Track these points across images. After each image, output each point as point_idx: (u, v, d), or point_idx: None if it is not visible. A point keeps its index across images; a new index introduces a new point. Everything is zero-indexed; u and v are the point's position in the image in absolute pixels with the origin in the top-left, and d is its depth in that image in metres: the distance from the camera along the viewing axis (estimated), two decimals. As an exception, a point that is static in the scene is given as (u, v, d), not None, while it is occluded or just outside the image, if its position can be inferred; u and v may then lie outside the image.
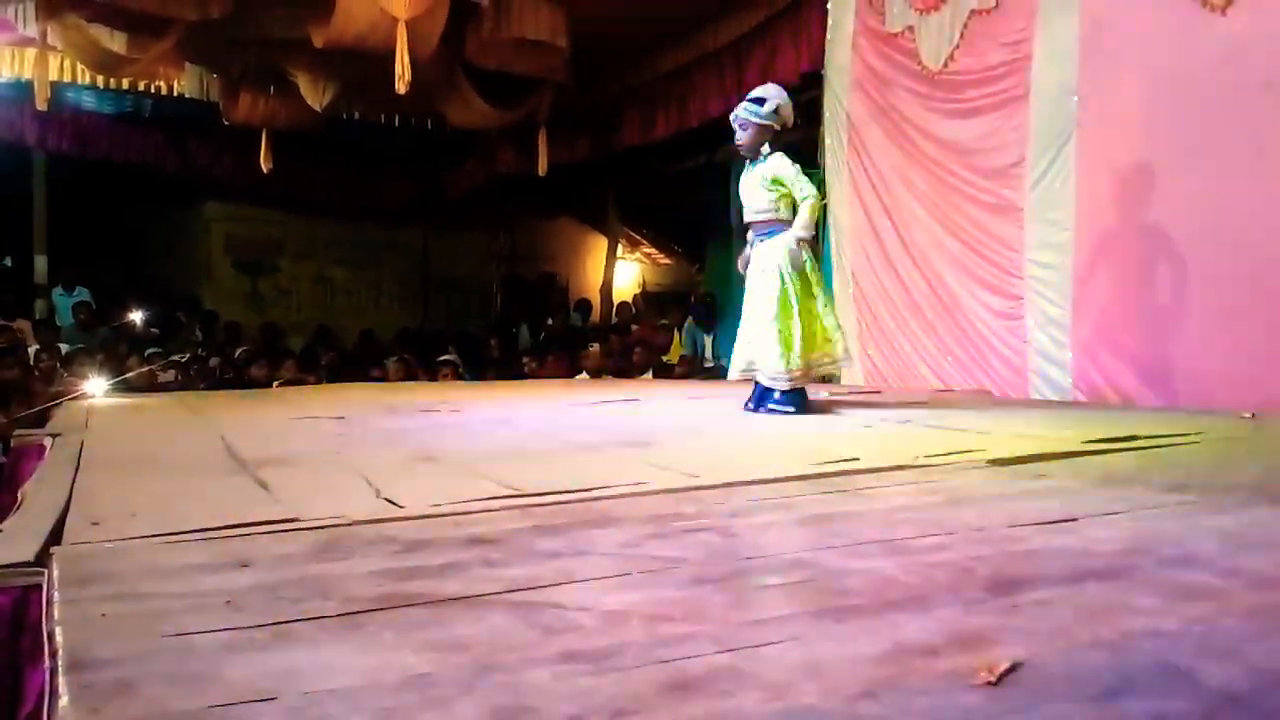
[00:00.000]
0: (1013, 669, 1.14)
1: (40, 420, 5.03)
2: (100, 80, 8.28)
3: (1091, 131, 4.90)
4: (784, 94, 4.28)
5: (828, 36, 6.63)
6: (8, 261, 11.39)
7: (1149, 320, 4.67)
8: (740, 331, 4.38)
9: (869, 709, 1.05)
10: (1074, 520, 2.01)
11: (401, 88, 6.44)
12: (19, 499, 2.47)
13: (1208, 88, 4.37)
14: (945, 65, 5.70)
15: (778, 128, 4.23)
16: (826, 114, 6.64)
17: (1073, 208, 4.98)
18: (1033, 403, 5.01)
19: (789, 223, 4.21)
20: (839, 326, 4.30)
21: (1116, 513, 2.10)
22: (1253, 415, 3.91)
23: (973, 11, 5.52)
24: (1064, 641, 1.26)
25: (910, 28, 5.94)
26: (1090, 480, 2.54)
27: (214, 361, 9.20)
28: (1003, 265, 5.38)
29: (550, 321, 11.85)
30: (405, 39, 6.35)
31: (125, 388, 7.08)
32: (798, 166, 4.23)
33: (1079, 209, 4.95)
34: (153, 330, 9.99)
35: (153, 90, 8.68)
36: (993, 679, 1.11)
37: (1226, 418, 3.89)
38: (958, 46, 5.62)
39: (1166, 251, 4.60)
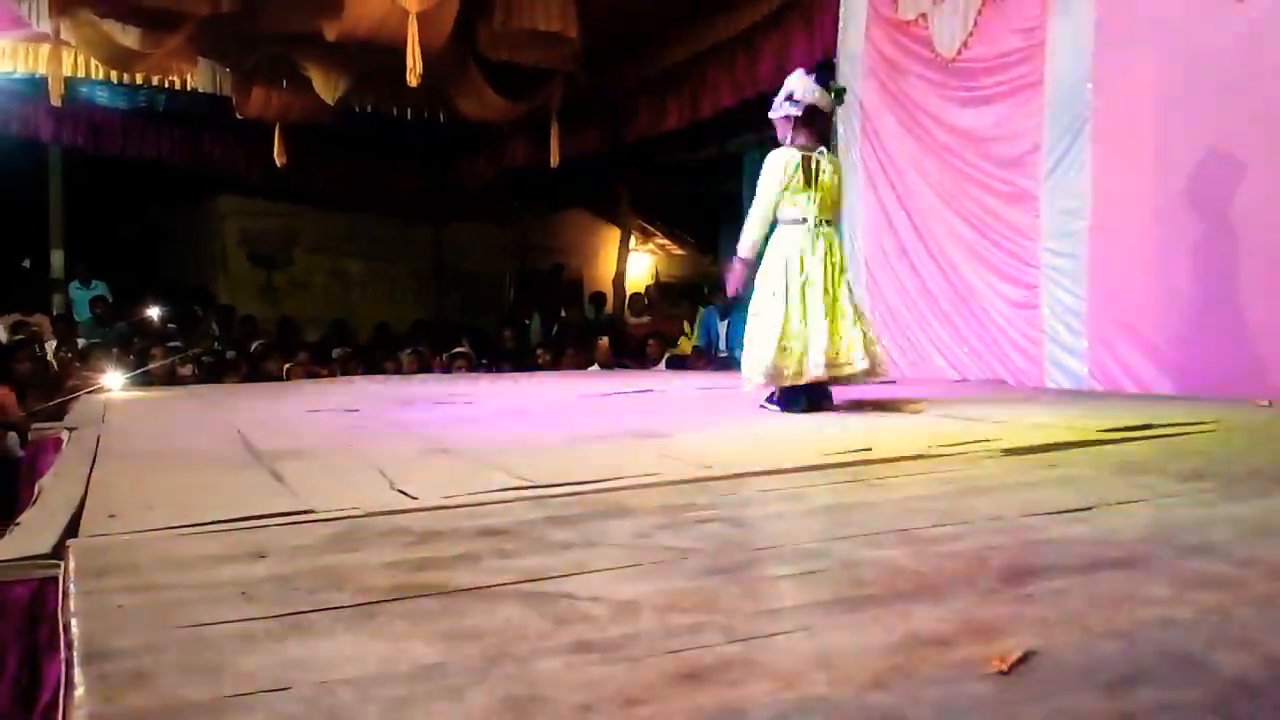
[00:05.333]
0: (1025, 658, 1.13)
1: (58, 414, 5.07)
2: (114, 75, 8.30)
3: (1107, 119, 4.85)
4: (796, 76, 4.21)
5: (840, 24, 6.59)
6: (26, 264, 11.46)
7: (1165, 309, 4.63)
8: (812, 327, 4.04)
9: (880, 699, 1.05)
10: (1089, 509, 2.00)
11: (413, 80, 6.43)
12: (36, 492, 2.50)
13: (1224, 75, 4.33)
14: (959, 53, 5.66)
15: (799, 113, 4.14)
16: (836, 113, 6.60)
17: (1088, 196, 4.94)
18: (1048, 392, 4.98)
19: (779, 221, 4.15)
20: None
21: (1132, 502, 2.09)
22: (1270, 403, 3.88)
23: (986, -2, 5.48)
24: (1078, 631, 1.25)
25: (923, 15, 5.90)
26: (1106, 469, 2.53)
27: (230, 355, 9.24)
28: (1018, 254, 5.35)
29: (563, 314, 11.85)
30: (417, 31, 6.34)
31: (142, 381, 7.12)
32: (769, 170, 4.11)
33: (1095, 197, 4.91)
34: (169, 324, 10.04)
35: (166, 85, 8.69)
36: (1005, 668, 1.11)
37: (1243, 406, 3.86)
38: (971, 34, 5.58)
39: (1182, 239, 4.57)
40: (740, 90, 7.70)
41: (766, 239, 4.21)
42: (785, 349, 3.99)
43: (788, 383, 4.02)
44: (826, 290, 4.04)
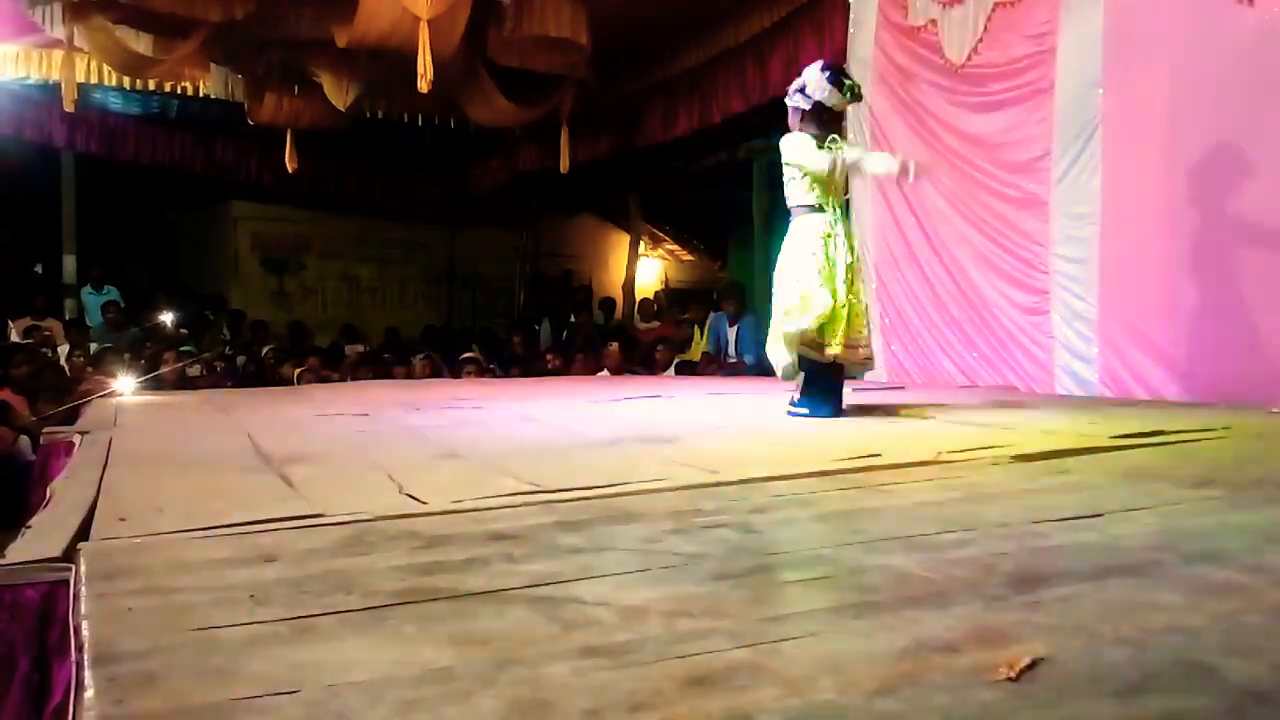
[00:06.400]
0: (1034, 665, 1.13)
1: (70, 418, 5.10)
2: (127, 81, 8.35)
3: (1117, 124, 4.84)
4: (812, 70, 4.22)
5: (850, 30, 6.58)
6: (38, 269, 11.52)
7: (1176, 315, 4.61)
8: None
9: (888, 705, 1.05)
10: (1098, 516, 2.00)
11: (424, 86, 6.46)
12: (48, 495, 2.51)
13: (1235, 80, 4.32)
14: (969, 58, 5.65)
15: (807, 107, 4.17)
16: (849, 108, 6.60)
17: (1098, 201, 4.93)
18: (1058, 398, 4.97)
19: (797, 206, 4.19)
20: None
21: (1141, 509, 2.08)
22: (1281, 410, 3.87)
23: (996, 4, 5.46)
24: (1086, 638, 1.25)
25: (933, 21, 5.90)
26: (1115, 476, 2.52)
27: (241, 359, 9.28)
28: (1028, 260, 5.33)
29: (573, 319, 11.86)
30: (427, 38, 6.37)
31: (154, 386, 7.15)
32: (801, 145, 4.13)
33: (1105, 203, 4.90)
34: (181, 329, 10.09)
35: (179, 91, 8.75)
36: (1013, 675, 1.11)
37: (1254, 413, 3.84)
38: (981, 39, 5.58)
39: (1193, 246, 4.55)
40: (749, 96, 7.71)
41: (785, 229, 4.28)
42: (820, 329, 4.03)
43: (826, 359, 4.05)
44: (848, 274, 4.10)
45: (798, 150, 4.13)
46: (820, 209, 4.13)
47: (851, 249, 4.18)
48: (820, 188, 4.13)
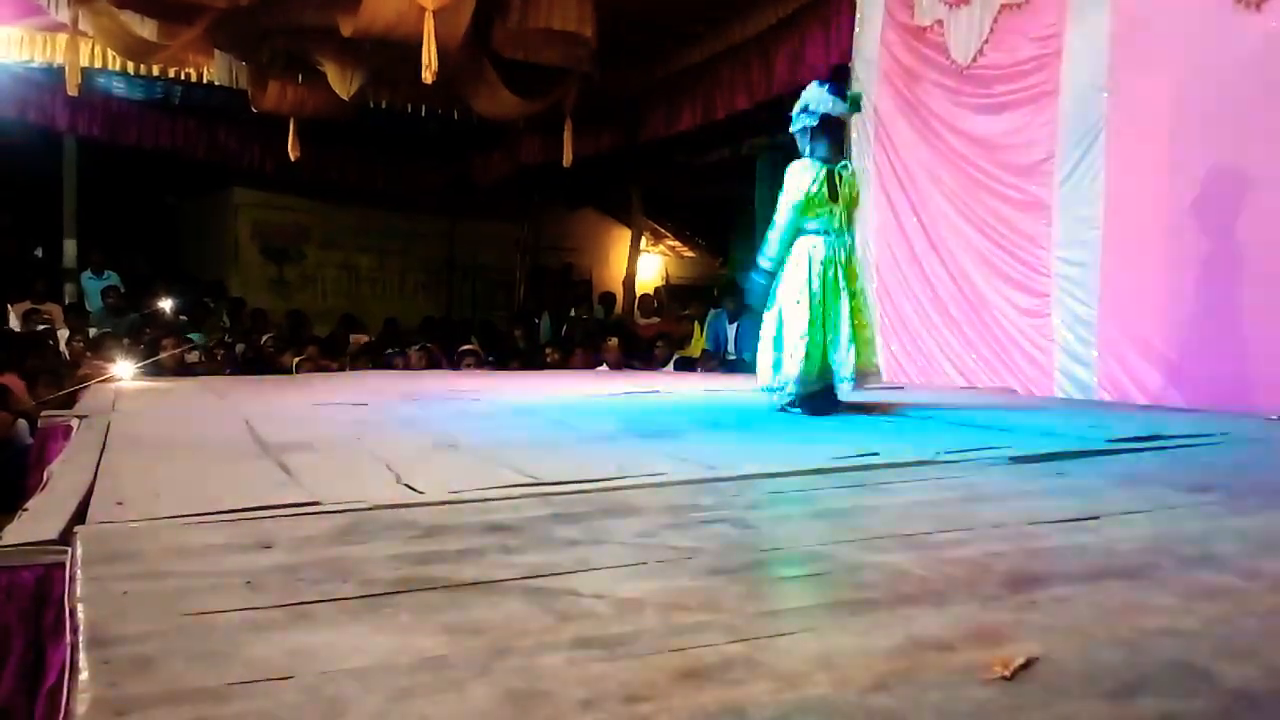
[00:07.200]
0: (1028, 665, 1.13)
1: (69, 403, 5.10)
2: (130, 66, 8.32)
3: (1122, 128, 4.84)
4: (810, 88, 4.25)
5: (856, 29, 6.58)
6: (39, 253, 11.50)
7: (1176, 320, 4.61)
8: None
9: (881, 701, 1.05)
10: (1095, 519, 2.00)
11: (428, 77, 6.45)
12: (45, 478, 2.51)
13: (1240, 85, 4.31)
14: (974, 60, 5.65)
15: (814, 124, 4.18)
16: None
17: (1101, 205, 4.92)
18: (1057, 401, 4.97)
19: (803, 230, 4.19)
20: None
21: (1137, 512, 2.08)
22: (1278, 417, 3.87)
23: (1003, 6, 5.46)
24: (1081, 639, 1.25)
25: (939, 21, 5.89)
26: (1112, 479, 2.52)
27: (239, 347, 9.27)
28: (1030, 262, 5.33)
29: (573, 313, 11.86)
30: (433, 28, 6.36)
31: (153, 372, 7.15)
32: (791, 183, 4.13)
33: (1108, 206, 4.90)
34: (181, 316, 10.07)
35: (182, 77, 8.72)
36: (1008, 674, 1.11)
37: (1251, 419, 3.85)
38: (987, 41, 5.57)
39: (1195, 251, 4.55)
40: (754, 93, 7.70)
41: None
42: (809, 356, 4.06)
43: (811, 388, 4.07)
44: (853, 296, 4.12)
45: (789, 185, 4.15)
46: (824, 232, 4.14)
47: (857, 275, 4.19)
48: (824, 211, 4.13)
